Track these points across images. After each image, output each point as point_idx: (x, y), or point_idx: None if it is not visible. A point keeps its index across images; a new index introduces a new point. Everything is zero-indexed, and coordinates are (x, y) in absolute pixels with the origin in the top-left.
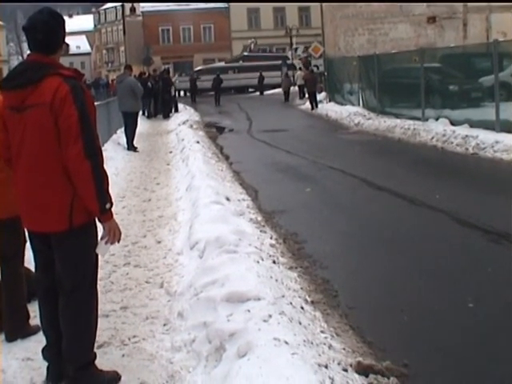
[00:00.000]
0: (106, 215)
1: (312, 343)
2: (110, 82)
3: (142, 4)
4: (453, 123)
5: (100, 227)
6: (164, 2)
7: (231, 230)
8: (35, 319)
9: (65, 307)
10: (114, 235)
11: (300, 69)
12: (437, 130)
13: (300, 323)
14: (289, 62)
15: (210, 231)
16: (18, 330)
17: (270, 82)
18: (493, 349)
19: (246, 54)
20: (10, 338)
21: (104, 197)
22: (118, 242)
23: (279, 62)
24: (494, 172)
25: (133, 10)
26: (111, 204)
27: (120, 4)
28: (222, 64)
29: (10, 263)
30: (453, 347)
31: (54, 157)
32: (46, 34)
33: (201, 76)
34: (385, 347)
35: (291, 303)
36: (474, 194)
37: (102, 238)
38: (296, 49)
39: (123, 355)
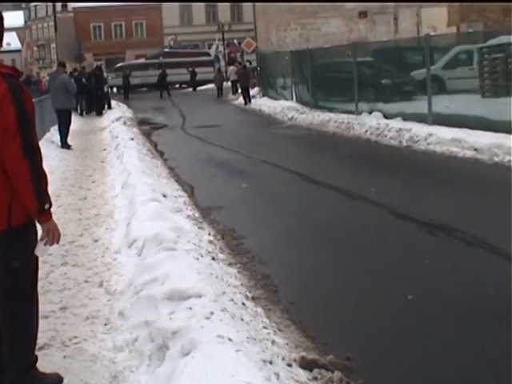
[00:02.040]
0: (45, 216)
1: (255, 339)
2: (41, 79)
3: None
4: (386, 116)
5: (39, 228)
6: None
7: (169, 227)
8: None
9: (5, 308)
10: (53, 236)
11: (232, 64)
12: (370, 123)
13: (242, 319)
14: (210, 57)
15: (148, 229)
16: None
17: (182, 79)
18: (433, 341)
19: (166, 50)
20: None
21: (43, 197)
22: (58, 243)
23: (200, 58)
24: (427, 164)
25: (64, 6)
26: (50, 204)
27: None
28: (143, 61)
29: None
30: (394, 339)
31: None
32: None
33: (120, 73)
34: (327, 341)
35: (232, 300)
36: (409, 186)
37: (41, 239)
38: (217, 46)
39: (64, 357)
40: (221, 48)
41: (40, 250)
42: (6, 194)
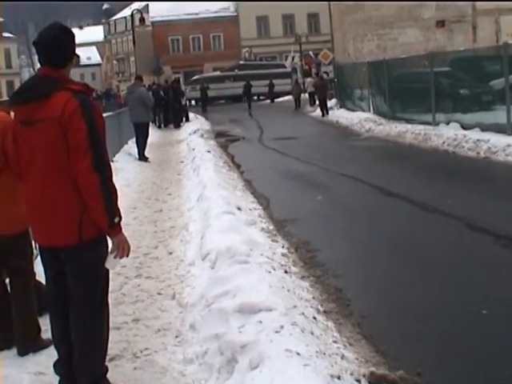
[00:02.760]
0: (115, 229)
1: (324, 354)
2: (119, 93)
3: (151, 14)
4: (464, 127)
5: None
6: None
7: (243, 239)
8: (47, 333)
9: (76, 321)
10: (123, 249)
11: (310, 75)
12: (448, 134)
13: (312, 333)
14: (286, 69)
15: (221, 241)
16: (30, 344)
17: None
18: (510, 355)
19: (241, 62)
20: (22, 352)
21: (112, 211)
22: (127, 256)
23: (274, 70)
24: (506, 176)
25: (142, 20)
26: (120, 218)
27: (129, 14)
28: (218, 73)
29: (18, 277)
30: (467, 355)
31: (63, 171)
32: (56, 48)
33: (196, 85)
34: (398, 356)
35: (303, 313)
36: (486, 198)
37: (111, 252)
38: (293, 57)
39: (135, 368)
40: (296, 60)
41: (110, 263)
42: (77, 209)
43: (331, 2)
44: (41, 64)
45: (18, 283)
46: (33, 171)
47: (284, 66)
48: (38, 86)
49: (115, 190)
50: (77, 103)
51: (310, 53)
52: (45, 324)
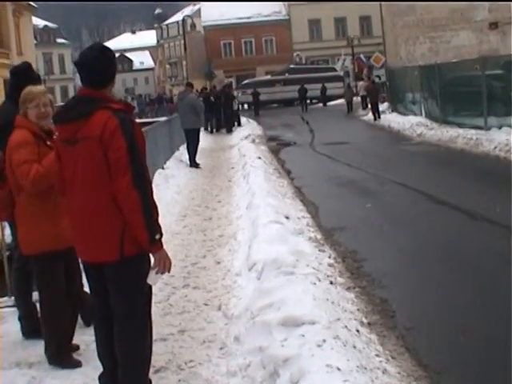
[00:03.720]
0: (156, 245)
1: (365, 368)
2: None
3: (203, 18)
4: None
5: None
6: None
7: (289, 250)
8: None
9: (120, 335)
10: (164, 265)
11: (362, 79)
12: (499, 139)
13: (354, 347)
14: (337, 73)
15: (268, 252)
16: (57, 358)
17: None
18: None
19: (292, 66)
20: (51, 363)
21: (153, 227)
22: (169, 271)
23: (325, 73)
24: None
25: (193, 26)
26: (161, 234)
27: (181, 19)
28: (269, 77)
29: (43, 295)
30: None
31: (105, 188)
32: (97, 69)
33: (247, 90)
34: (441, 370)
35: (346, 326)
36: None
37: (152, 268)
38: (344, 61)
39: (179, 380)
40: (347, 63)
41: (152, 279)
42: (119, 225)
43: (383, 4)
44: (82, 84)
45: (42, 301)
46: (76, 188)
47: (335, 70)
48: (80, 105)
49: (156, 206)
50: (117, 122)
51: (361, 56)
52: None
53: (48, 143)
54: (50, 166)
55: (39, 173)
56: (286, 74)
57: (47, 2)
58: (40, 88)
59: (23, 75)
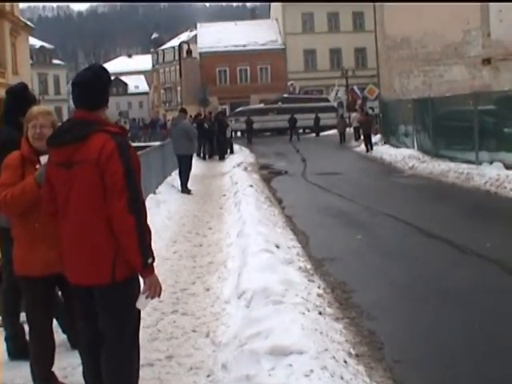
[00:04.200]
0: (148, 270)
1: None
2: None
3: (199, 45)
4: (507, 167)
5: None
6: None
7: (279, 279)
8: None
9: (107, 359)
10: (154, 290)
11: (355, 110)
12: (490, 174)
13: (342, 378)
14: (330, 103)
15: (257, 281)
16: (43, 381)
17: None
18: None
19: (285, 95)
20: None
21: (146, 251)
22: (159, 296)
23: (318, 104)
24: None
25: (189, 52)
26: (153, 259)
27: (177, 45)
28: (262, 106)
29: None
30: None
31: (99, 211)
32: (92, 91)
33: (240, 117)
34: None
35: (334, 357)
36: None
37: (142, 293)
38: (337, 91)
39: None
40: (340, 94)
41: (142, 303)
42: (111, 249)
43: (378, 36)
44: (76, 107)
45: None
46: (69, 211)
47: (328, 100)
48: (75, 128)
49: (149, 230)
50: (114, 145)
51: (355, 87)
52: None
53: (37, 166)
54: (18, 193)
55: (5, 199)
56: (280, 103)
57: (44, 23)
58: (41, 108)
59: (18, 96)
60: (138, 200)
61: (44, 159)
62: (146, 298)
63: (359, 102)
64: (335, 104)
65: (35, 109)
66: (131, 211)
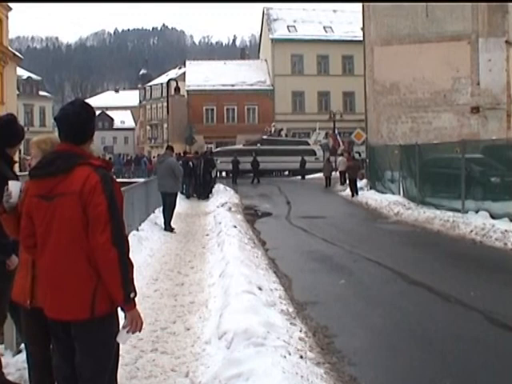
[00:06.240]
0: (130, 304)
1: None
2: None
3: (187, 83)
4: (493, 216)
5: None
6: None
7: (260, 321)
8: None
9: None
10: (136, 324)
11: (336, 154)
12: (476, 223)
13: None
14: (309, 147)
15: (239, 322)
16: None
17: (289, 166)
18: None
19: (264, 137)
20: None
21: (129, 286)
22: (140, 331)
23: (297, 146)
24: None
25: (177, 89)
26: (135, 293)
27: (165, 82)
28: (240, 147)
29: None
30: None
31: (79, 245)
32: (77, 125)
33: (220, 157)
34: None
35: None
36: (510, 292)
37: (123, 327)
38: (317, 135)
39: None
40: (320, 137)
41: (122, 338)
42: (91, 283)
43: (367, 81)
44: (61, 140)
45: None
46: (49, 244)
47: (307, 143)
48: (59, 160)
49: (132, 264)
50: (98, 178)
51: (336, 132)
52: None
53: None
54: None
55: None
56: (258, 145)
57: (33, 53)
58: (38, 138)
59: (5, 128)
60: (121, 233)
61: (13, 184)
62: (127, 332)
63: (342, 147)
64: (317, 148)
65: (34, 138)
66: (114, 244)
